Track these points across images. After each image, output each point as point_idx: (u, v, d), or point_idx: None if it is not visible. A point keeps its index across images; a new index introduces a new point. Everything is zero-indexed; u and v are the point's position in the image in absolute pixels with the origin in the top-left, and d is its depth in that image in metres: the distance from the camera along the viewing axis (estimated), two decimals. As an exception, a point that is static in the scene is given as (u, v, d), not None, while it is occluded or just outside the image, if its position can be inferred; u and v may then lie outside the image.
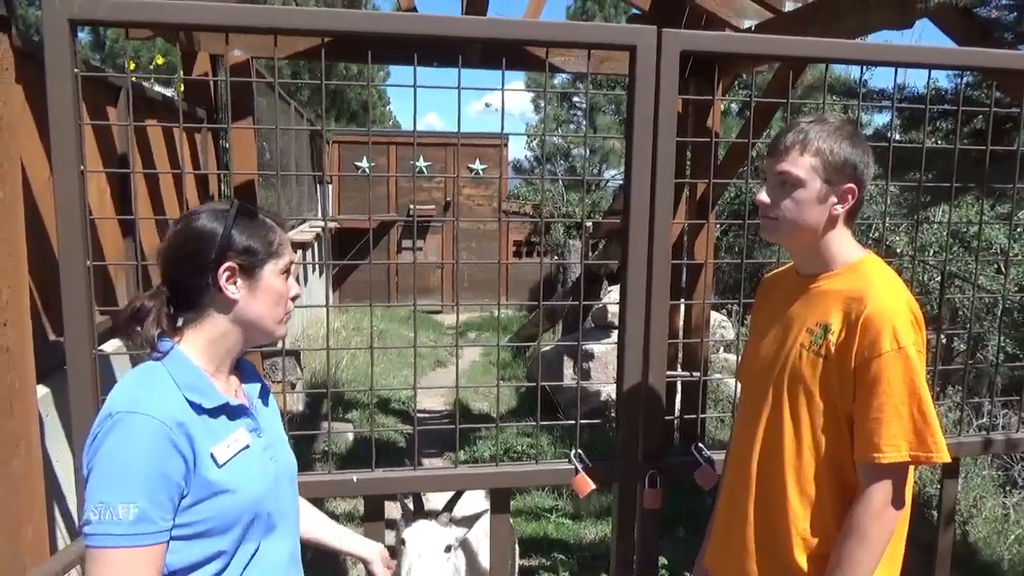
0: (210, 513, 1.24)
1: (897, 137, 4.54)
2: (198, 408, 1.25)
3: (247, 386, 1.42)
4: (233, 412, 1.32)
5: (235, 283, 1.29)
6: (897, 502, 1.44)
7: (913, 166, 4.50)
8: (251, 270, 1.31)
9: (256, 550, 1.33)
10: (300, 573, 1.45)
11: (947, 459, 1.44)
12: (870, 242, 7.19)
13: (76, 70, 1.86)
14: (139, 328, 1.27)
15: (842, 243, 1.56)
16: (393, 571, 1.71)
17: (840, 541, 1.45)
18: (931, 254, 7.33)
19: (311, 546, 1.63)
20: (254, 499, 1.30)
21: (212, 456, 1.25)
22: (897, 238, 8.14)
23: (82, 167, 1.89)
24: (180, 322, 1.32)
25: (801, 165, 1.51)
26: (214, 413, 1.28)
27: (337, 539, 1.67)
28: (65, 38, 1.84)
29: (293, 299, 1.38)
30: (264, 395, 1.46)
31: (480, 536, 2.56)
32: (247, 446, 1.31)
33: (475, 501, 2.69)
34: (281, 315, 1.36)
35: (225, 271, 1.28)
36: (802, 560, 1.51)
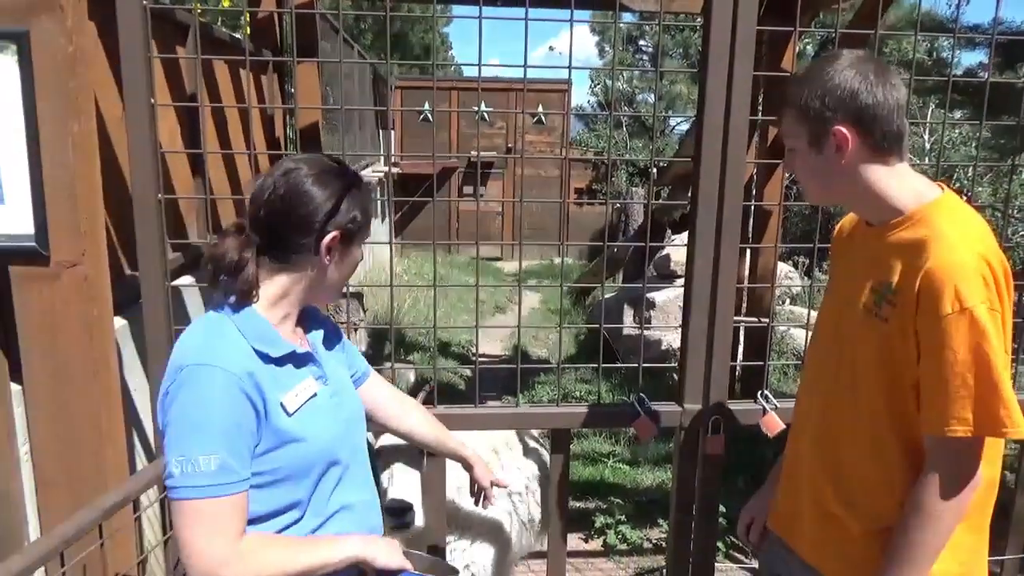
0: (283, 462, 1.25)
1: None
2: (265, 357, 1.25)
3: (311, 334, 1.42)
4: (299, 360, 1.32)
5: (331, 249, 1.30)
6: (966, 478, 1.27)
7: (1006, 108, 4.23)
8: (349, 240, 1.32)
9: (331, 495, 1.34)
10: (377, 515, 1.48)
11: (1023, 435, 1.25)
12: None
13: (145, 2, 1.87)
14: (238, 277, 1.26)
15: (890, 186, 1.36)
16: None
17: (903, 519, 1.31)
18: (1017, 206, 6.94)
19: (416, 446, 1.72)
20: (325, 447, 1.31)
21: (282, 405, 1.25)
22: (980, 189, 7.73)
23: (152, 100, 1.92)
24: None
25: (786, 131, 1.40)
26: (281, 362, 1.28)
27: (438, 443, 1.72)
28: (134, -31, 1.85)
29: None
30: (328, 340, 1.46)
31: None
32: (315, 394, 1.32)
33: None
34: (346, 282, 1.39)
35: (331, 238, 1.28)
36: (861, 531, 1.41)
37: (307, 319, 1.43)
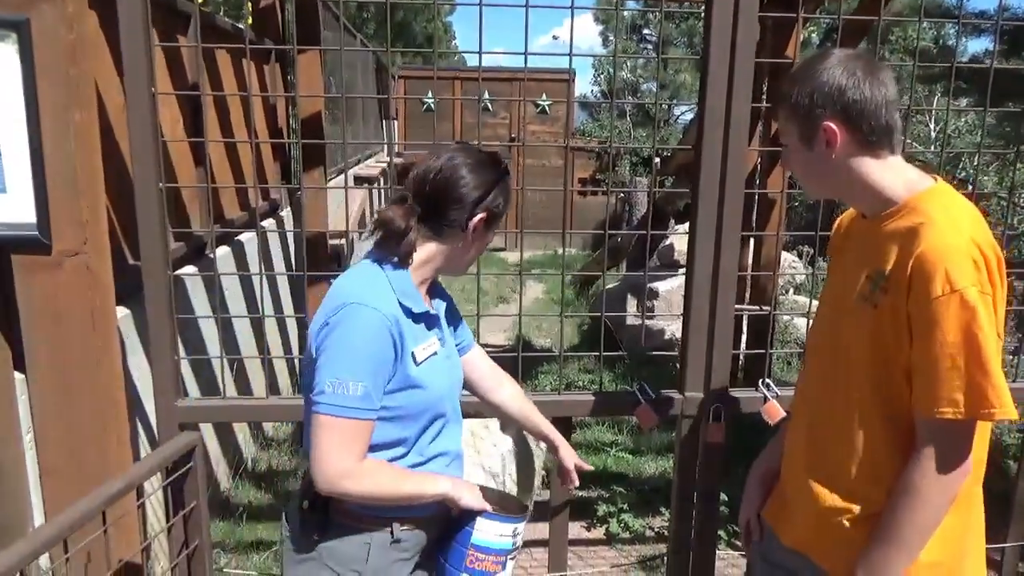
0: (403, 402, 1.43)
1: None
2: (407, 311, 1.44)
3: (436, 302, 1.61)
4: (430, 321, 1.52)
5: (476, 228, 1.48)
6: (956, 461, 1.28)
7: (1012, 95, 4.21)
8: (491, 222, 1.51)
9: (432, 441, 1.52)
10: (462, 467, 1.65)
11: (1013, 415, 1.25)
12: (955, 182, 6.81)
13: (145, -10, 1.87)
14: (401, 241, 1.45)
15: (883, 178, 1.38)
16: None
17: (891, 501, 1.32)
18: (1022, 195, 6.91)
19: (502, 419, 1.85)
20: (439, 397, 1.50)
21: (413, 354, 1.44)
22: (986, 177, 7.70)
23: (153, 89, 1.92)
24: None
25: (781, 129, 1.42)
26: (417, 318, 1.47)
27: (524, 419, 1.83)
28: (134, -43, 1.84)
29: None
30: (449, 312, 1.65)
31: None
32: (435, 352, 1.51)
33: None
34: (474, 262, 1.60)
35: (479, 219, 1.47)
36: (850, 519, 1.41)
37: (434, 291, 1.62)
